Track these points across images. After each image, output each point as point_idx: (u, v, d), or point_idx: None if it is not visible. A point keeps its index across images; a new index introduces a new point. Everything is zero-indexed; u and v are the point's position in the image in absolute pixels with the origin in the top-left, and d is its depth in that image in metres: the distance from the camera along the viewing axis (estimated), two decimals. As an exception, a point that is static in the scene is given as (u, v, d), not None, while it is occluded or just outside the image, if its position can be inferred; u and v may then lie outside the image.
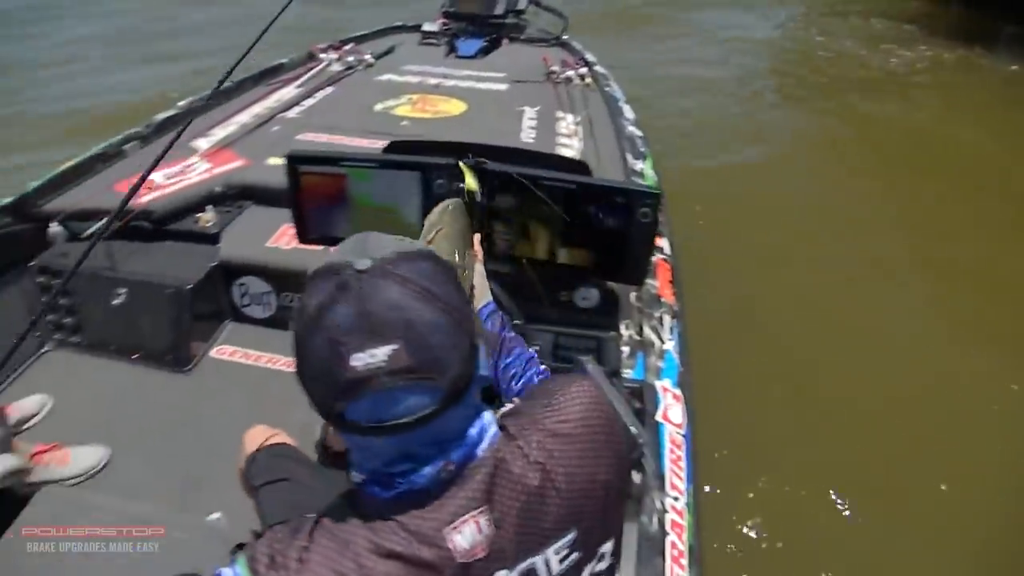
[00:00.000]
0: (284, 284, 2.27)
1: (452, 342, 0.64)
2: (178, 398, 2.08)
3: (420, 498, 0.67)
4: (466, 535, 0.66)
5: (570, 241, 1.50)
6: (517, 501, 0.68)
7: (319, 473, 1.31)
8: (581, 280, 1.62)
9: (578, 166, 1.60)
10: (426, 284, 0.64)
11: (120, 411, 2.03)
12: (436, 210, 1.29)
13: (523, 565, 0.69)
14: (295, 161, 1.56)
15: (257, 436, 1.40)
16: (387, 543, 0.65)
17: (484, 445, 0.70)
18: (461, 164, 1.44)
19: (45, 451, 1.79)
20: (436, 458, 0.67)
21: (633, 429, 1.31)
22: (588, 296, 1.63)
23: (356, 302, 0.61)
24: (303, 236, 1.66)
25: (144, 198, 2.32)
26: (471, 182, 1.52)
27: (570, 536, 0.71)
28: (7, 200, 2.19)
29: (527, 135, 3.06)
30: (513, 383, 1.08)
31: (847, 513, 2.30)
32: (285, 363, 2.21)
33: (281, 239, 2.32)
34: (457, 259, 1.20)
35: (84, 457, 1.84)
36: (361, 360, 0.61)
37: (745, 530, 2.23)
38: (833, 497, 2.34)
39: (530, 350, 1.12)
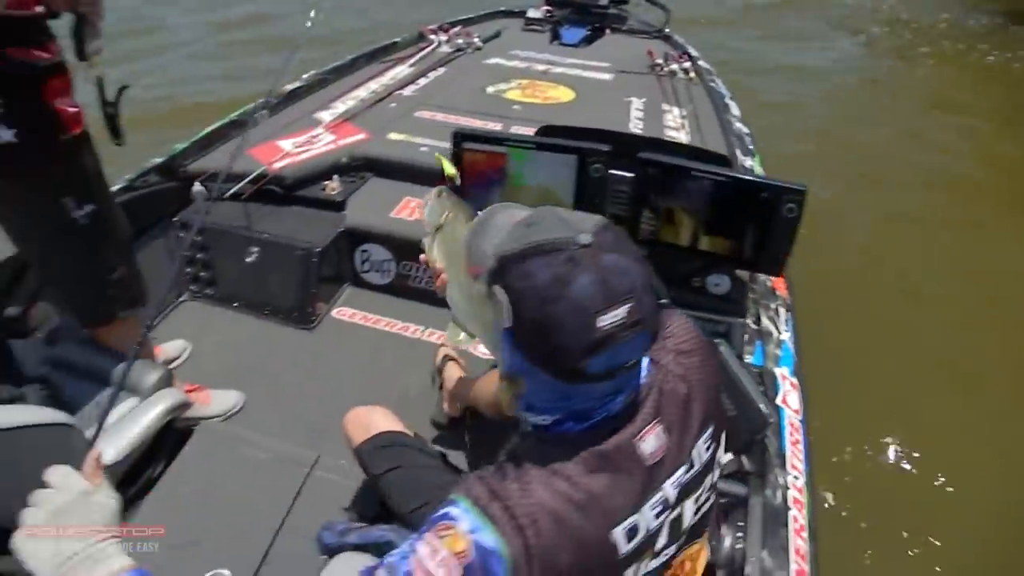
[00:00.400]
0: (404, 253, 2.38)
1: (653, 293, 0.75)
2: (302, 353, 2.22)
3: (613, 423, 0.80)
4: (649, 443, 0.81)
5: (712, 230, 1.55)
6: (676, 409, 0.85)
7: (429, 456, 1.38)
8: (715, 267, 1.66)
9: (720, 159, 1.64)
10: (633, 249, 0.75)
11: (249, 360, 2.18)
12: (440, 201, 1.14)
13: (687, 458, 0.85)
14: (461, 138, 1.64)
15: (375, 419, 1.46)
16: (592, 460, 0.77)
17: (645, 372, 0.86)
18: (437, 155, 1.44)
19: (191, 391, 1.95)
20: (627, 388, 0.80)
21: (762, 407, 1.36)
22: (720, 283, 1.67)
23: (593, 272, 0.70)
24: None
25: (276, 164, 2.46)
26: (449, 168, 1.65)
27: (709, 430, 0.89)
28: (158, 160, 2.37)
29: (635, 125, 3.08)
30: None
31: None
32: (401, 327, 2.32)
33: (404, 211, 2.43)
34: None
35: (223, 400, 1.99)
36: (607, 320, 0.70)
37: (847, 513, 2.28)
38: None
39: None
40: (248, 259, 2.33)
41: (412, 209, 2.44)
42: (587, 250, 0.71)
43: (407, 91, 3.26)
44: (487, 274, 0.77)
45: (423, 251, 1.11)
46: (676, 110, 3.27)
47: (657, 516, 0.81)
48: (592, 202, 1.60)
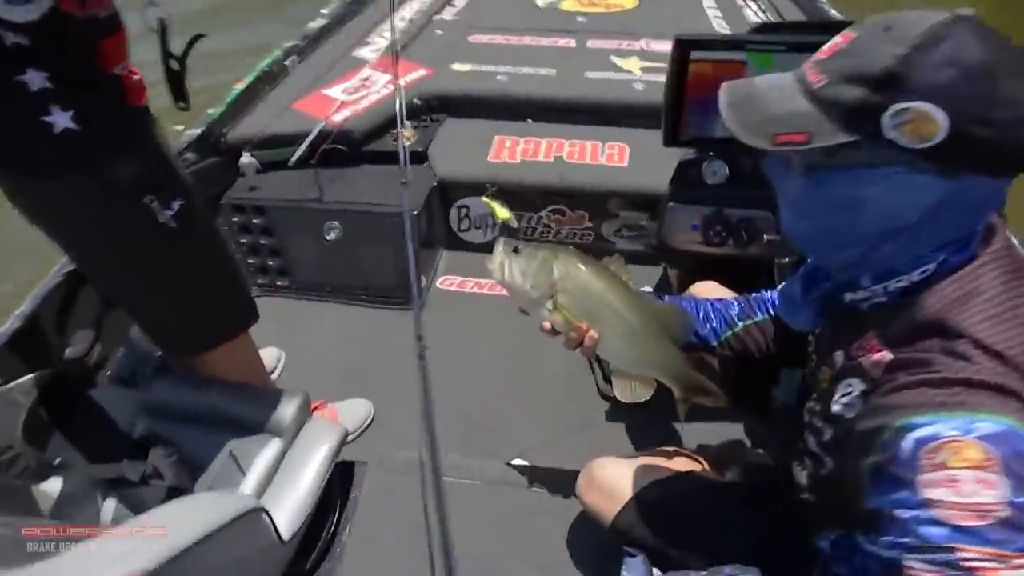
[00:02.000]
0: (514, 202, 1.97)
1: None
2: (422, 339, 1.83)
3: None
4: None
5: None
6: None
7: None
8: None
9: None
10: None
11: (355, 357, 1.80)
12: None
13: None
14: (686, 45, 1.24)
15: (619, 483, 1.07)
16: (1002, 271, 0.61)
17: None
18: (485, 198, 1.12)
19: (315, 409, 1.56)
20: None
21: None
22: None
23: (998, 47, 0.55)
24: (673, 137, 1.35)
25: (334, 117, 2.01)
26: (502, 212, 1.27)
27: None
28: (195, 131, 1.90)
29: (718, 25, 2.64)
30: None
31: None
32: None
33: (501, 152, 2.01)
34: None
35: (350, 412, 1.61)
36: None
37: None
38: None
39: None
40: (329, 236, 1.90)
41: (511, 150, 2.02)
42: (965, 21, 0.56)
43: (446, 15, 2.77)
44: (881, 98, 0.56)
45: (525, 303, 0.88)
46: (753, 4, 2.82)
47: None
48: None
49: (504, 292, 1.99)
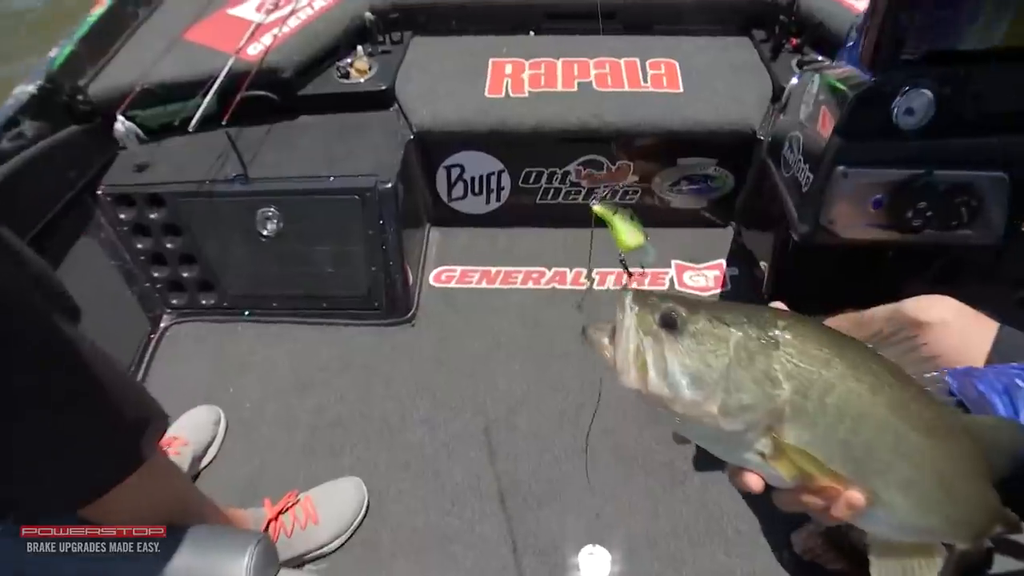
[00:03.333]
0: (527, 155, 1.40)
1: None
2: (416, 370, 1.28)
3: None
4: None
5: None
6: None
7: None
8: None
9: None
10: None
11: (327, 404, 1.26)
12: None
13: None
14: None
15: None
16: None
17: None
18: (599, 208, 0.84)
19: (278, 515, 1.01)
20: None
21: None
22: None
23: None
24: (890, 54, 0.82)
25: (250, 51, 1.36)
26: (630, 235, 0.80)
27: None
28: (30, 86, 1.21)
29: None
30: None
31: None
32: (547, 276, 1.42)
33: (502, 83, 1.41)
34: None
35: (335, 501, 1.07)
36: None
37: None
38: None
39: None
40: (264, 230, 1.30)
41: (515, 78, 1.43)
42: None
43: None
44: None
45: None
46: None
47: None
48: None
49: (529, 284, 1.44)
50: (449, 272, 1.46)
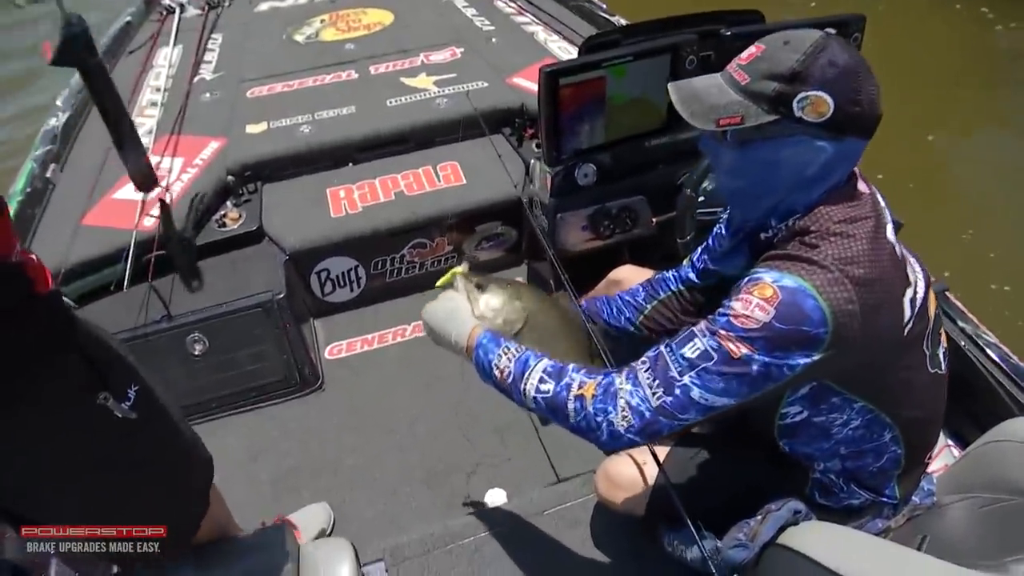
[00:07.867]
0: (372, 250, 1.95)
1: None
2: (332, 419, 1.77)
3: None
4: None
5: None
6: None
7: None
8: None
9: (753, 15, 1.51)
10: None
11: (283, 462, 1.68)
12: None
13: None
14: (556, 75, 1.34)
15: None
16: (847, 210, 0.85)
17: None
18: (454, 271, 1.10)
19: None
20: None
21: None
22: None
23: (850, 48, 0.82)
24: (555, 157, 1.45)
25: (146, 222, 1.81)
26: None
27: None
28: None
29: (480, 23, 2.77)
30: None
31: None
32: (408, 330, 1.95)
33: (340, 205, 1.96)
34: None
35: (311, 520, 1.53)
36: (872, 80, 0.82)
37: None
38: None
39: None
40: (195, 351, 1.73)
41: (349, 199, 1.98)
42: (834, 38, 0.81)
43: (206, 74, 2.54)
44: (791, 89, 0.80)
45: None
46: None
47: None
48: None
49: (400, 338, 1.96)
50: (338, 346, 1.95)
